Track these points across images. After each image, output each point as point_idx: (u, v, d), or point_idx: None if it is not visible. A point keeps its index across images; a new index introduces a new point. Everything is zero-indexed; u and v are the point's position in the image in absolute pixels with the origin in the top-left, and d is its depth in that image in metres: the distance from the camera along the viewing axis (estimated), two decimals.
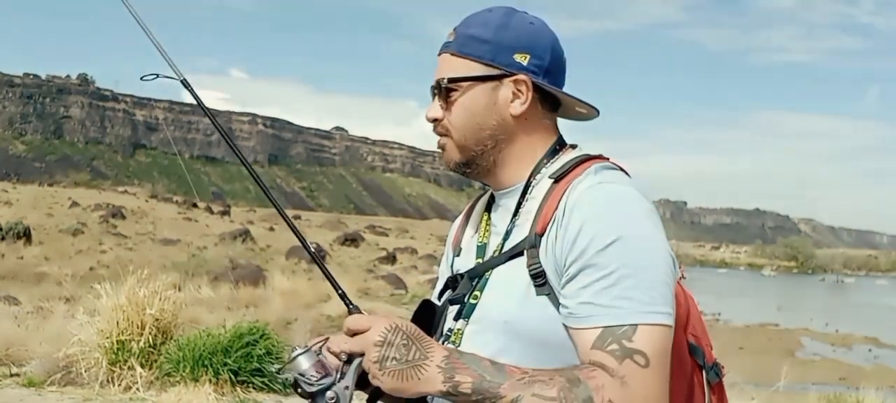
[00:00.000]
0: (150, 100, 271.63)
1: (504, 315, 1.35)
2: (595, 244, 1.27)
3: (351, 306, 1.34)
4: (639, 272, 1.26)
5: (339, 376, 1.29)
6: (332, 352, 1.32)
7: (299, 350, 1.30)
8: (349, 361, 1.29)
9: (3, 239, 30.02)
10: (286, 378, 1.33)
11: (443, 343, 1.42)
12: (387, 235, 68.28)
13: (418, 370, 1.24)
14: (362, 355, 1.27)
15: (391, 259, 38.82)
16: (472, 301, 1.42)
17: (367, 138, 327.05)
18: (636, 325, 1.23)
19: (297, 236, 1.45)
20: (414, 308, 1.47)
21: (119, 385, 6.56)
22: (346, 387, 1.28)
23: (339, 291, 1.39)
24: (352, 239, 48.10)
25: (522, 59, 1.41)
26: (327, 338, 1.35)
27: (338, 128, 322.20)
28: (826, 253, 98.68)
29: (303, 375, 1.29)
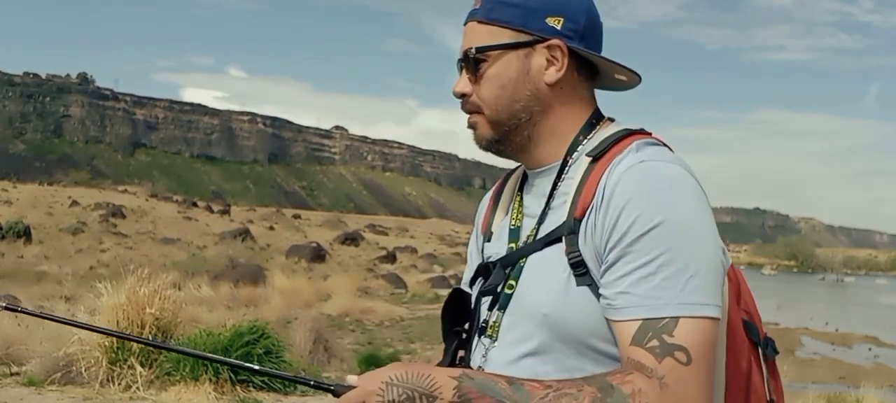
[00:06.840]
0: (150, 99, 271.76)
1: (542, 307, 1.24)
2: (636, 228, 1.16)
3: (332, 388, 1.24)
4: (682, 259, 1.15)
5: None
6: None
7: None
8: None
9: (3, 238, 30.02)
10: None
11: (476, 336, 1.36)
12: (387, 234, 68.20)
13: None
14: None
15: (391, 258, 38.79)
16: (507, 290, 1.31)
17: (366, 137, 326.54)
18: (678, 318, 1.14)
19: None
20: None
21: (119, 384, 6.56)
22: None
23: (312, 382, 1.29)
24: (352, 239, 48.07)
25: (556, 23, 1.29)
26: None
27: (338, 128, 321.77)
28: (826, 253, 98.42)
29: None
